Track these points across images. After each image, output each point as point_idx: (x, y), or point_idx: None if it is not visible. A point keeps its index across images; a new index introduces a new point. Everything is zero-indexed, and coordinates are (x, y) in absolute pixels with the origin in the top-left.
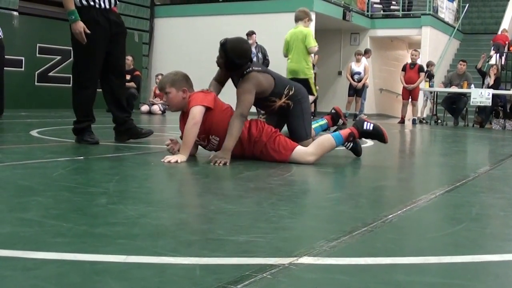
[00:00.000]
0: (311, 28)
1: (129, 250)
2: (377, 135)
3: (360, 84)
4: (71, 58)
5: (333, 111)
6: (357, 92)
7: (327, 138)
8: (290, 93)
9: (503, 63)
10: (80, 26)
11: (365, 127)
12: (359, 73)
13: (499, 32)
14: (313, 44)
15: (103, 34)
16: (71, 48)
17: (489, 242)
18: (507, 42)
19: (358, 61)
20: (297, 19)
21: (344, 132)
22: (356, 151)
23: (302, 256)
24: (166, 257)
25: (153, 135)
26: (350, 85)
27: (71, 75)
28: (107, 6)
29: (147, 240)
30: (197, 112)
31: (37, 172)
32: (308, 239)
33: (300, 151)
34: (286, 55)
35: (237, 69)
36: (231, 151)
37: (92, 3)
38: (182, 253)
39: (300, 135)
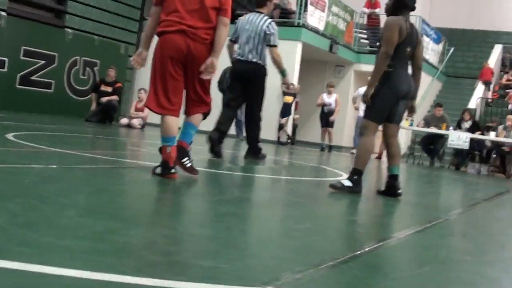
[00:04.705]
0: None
1: (93, 266)
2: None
3: (332, 117)
4: (55, 64)
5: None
6: (328, 123)
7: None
8: None
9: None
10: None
11: (184, 161)
12: (330, 104)
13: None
14: None
15: None
16: (55, 53)
17: (453, 286)
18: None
19: (329, 93)
20: None
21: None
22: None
23: (266, 286)
24: (129, 276)
25: (129, 149)
26: (321, 116)
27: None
28: None
29: (113, 257)
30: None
31: (9, 177)
32: (274, 269)
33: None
34: None
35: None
36: None
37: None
38: (145, 274)
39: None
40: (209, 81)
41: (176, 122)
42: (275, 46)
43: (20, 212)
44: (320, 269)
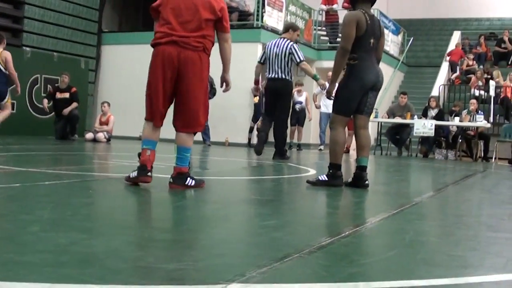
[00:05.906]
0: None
1: (55, 278)
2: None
3: (310, 117)
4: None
5: None
6: (298, 121)
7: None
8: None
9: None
10: None
11: (186, 182)
12: (300, 103)
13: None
14: None
15: None
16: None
17: (419, 267)
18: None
19: (299, 91)
20: None
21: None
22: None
23: (231, 283)
24: (92, 284)
25: (96, 163)
26: (292, 114)
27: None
28: None
29: (75, 268)
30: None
31: None
32: (239, 266)
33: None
34: None
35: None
36: None
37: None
38: (108, 281)
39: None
40: (206, 100)
41: (159, 130)
42: (301, 62)
43: None
44: (285, 262)
